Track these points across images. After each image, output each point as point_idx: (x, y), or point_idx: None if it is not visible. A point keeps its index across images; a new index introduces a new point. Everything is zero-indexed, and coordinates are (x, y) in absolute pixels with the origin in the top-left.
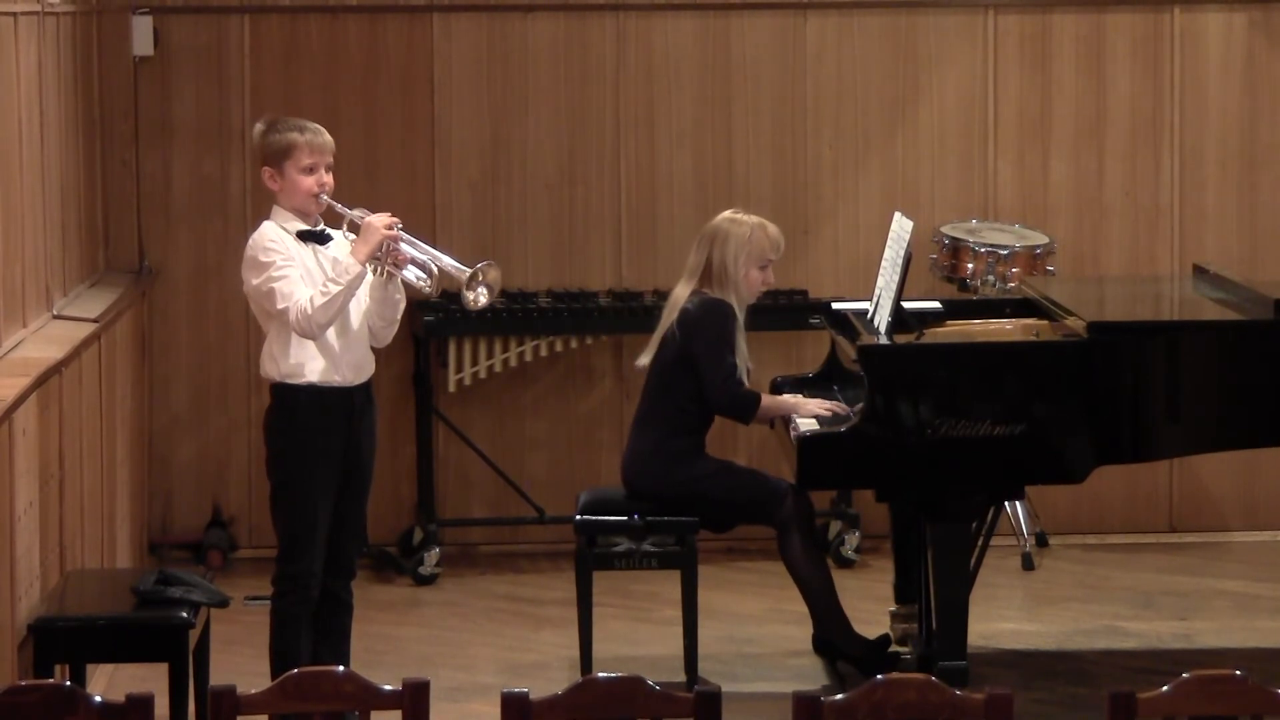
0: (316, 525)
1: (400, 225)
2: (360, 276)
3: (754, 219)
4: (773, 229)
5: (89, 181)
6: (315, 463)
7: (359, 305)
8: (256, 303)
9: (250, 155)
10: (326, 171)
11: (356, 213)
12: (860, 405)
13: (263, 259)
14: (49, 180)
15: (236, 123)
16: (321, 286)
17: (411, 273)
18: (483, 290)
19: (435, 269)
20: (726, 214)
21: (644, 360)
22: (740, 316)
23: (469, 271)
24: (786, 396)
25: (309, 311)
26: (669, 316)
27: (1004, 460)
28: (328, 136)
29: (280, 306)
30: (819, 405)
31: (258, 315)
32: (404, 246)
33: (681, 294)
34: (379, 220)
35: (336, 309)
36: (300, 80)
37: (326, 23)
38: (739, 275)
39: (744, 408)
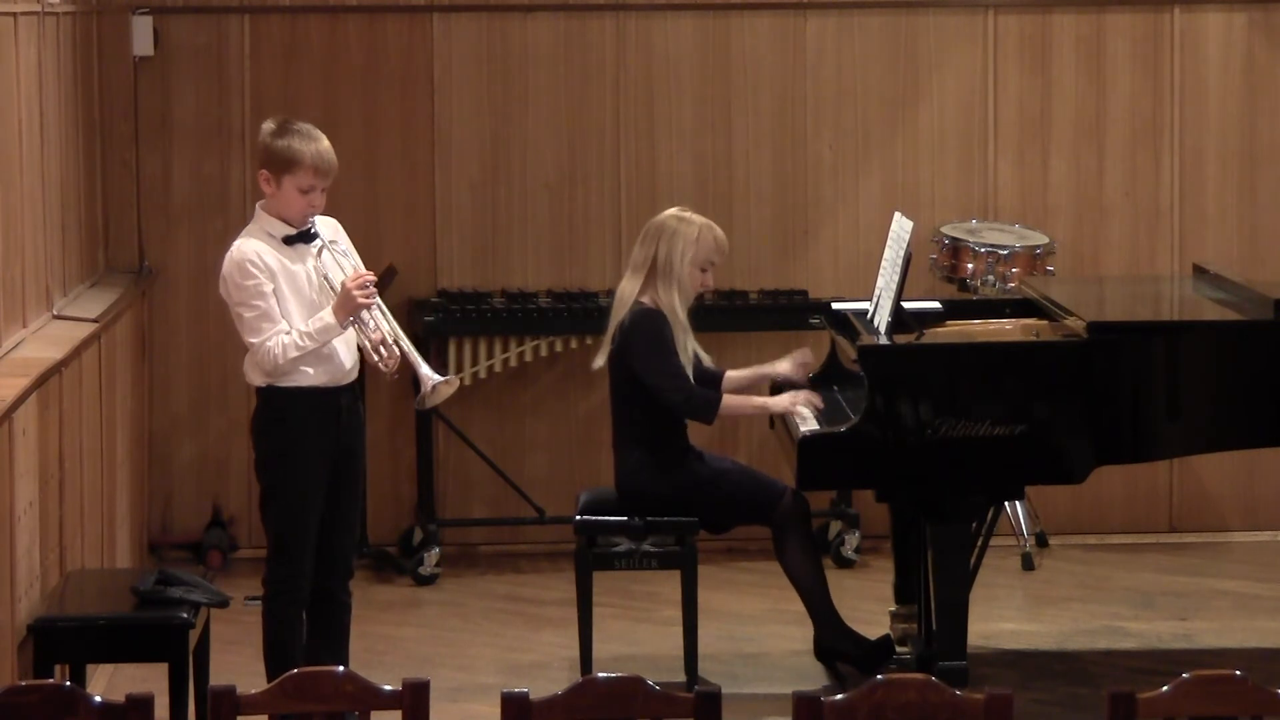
0: (307, 526)
1: (374, 284)
2: (336, 333)
3: (702, 219)
4: (719, 232)
5: (89, 181)
6: (304, 464)
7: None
8: (234, 320)
9: (251, 155)
10: (321, 194)
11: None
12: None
13: (244, 282)
14: (49, 180)
15: (236, 123)
16: (298, 339)
17: (369, 343)
18: (435, 397)
19: (397, 350)
20: (673, 211)
21: (599, 361)
22: (683, 314)
23: (433, 381)
24: (753, 399)
25: (279, 360)
26: (617, 314)
27: (1004, 460)
28: (333, 158)
29: (249, 340)
30: (790, 400)
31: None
32: (375, 314)
33: (628, 289)
34: (355, 287)
35: (303, 357)
36: (300, 80)
37: (326, 23)
38: (683, 272)
39: (702, 411)
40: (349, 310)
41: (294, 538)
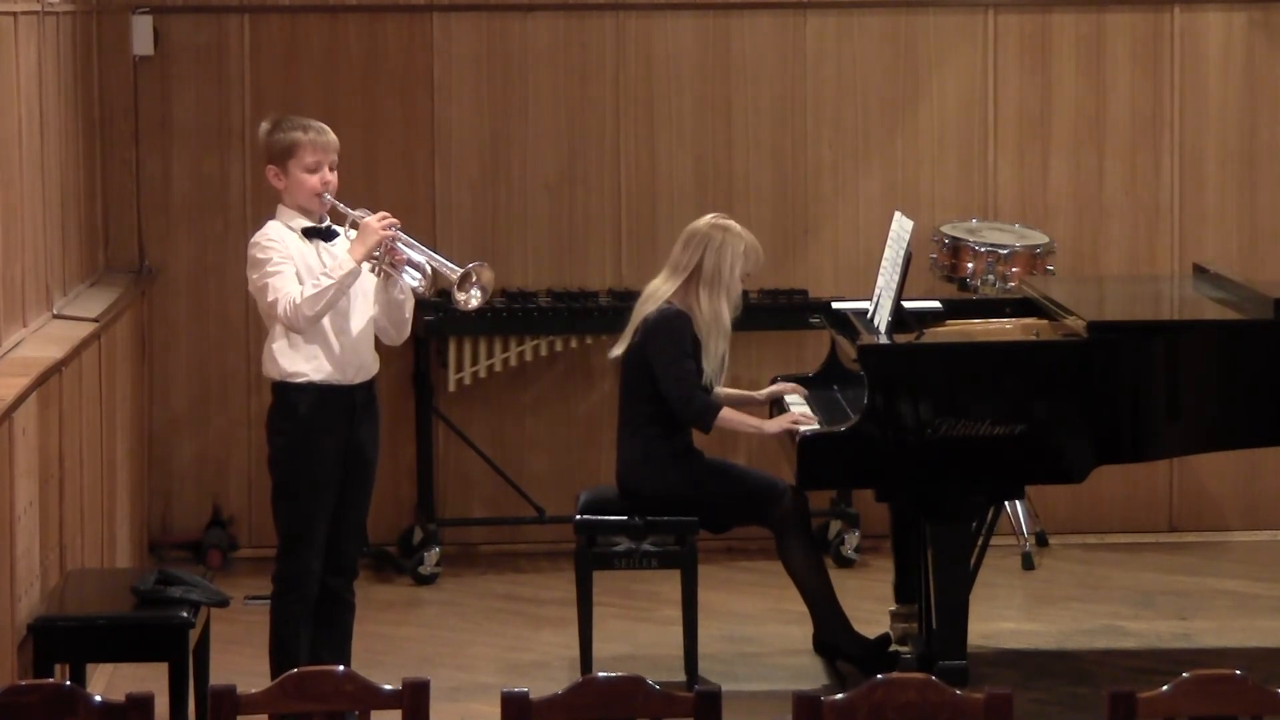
0: (316, 524)
1: (399, 226)
2: (353, 274)
3: (747, 232)
4: (759, 245)
5: (89, 181)
6: (315, 461)
7: (365, 307)
8: (257, 301)
9: (251, 155)
10: (330, 170)
11: (359, 213)
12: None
13: (260, 255)
14: (49, 180)
15: (236, 123)
16: (313, 280)
17: (408, 274)
18: (475, 292)
19: (430, 269)
20: (718, 221)
21: (617, 351)
22: (729, 322)
23: (460, 272)
24: (750, 418)
25: (297, 302)
26: (643, 308)
27: (1004, 460)
28: (332, 136)
29: (270, 299)
30: (787, 421)
31: (261, 314)
32: (400, 247)
33: (662, 288)
34: (376, 220)
35: (325, 303)
36: (300, 80)
37: (326, 23)
38: (733, 282)
39: (700, 417)
40: (368, 244)
41: (302, 535)
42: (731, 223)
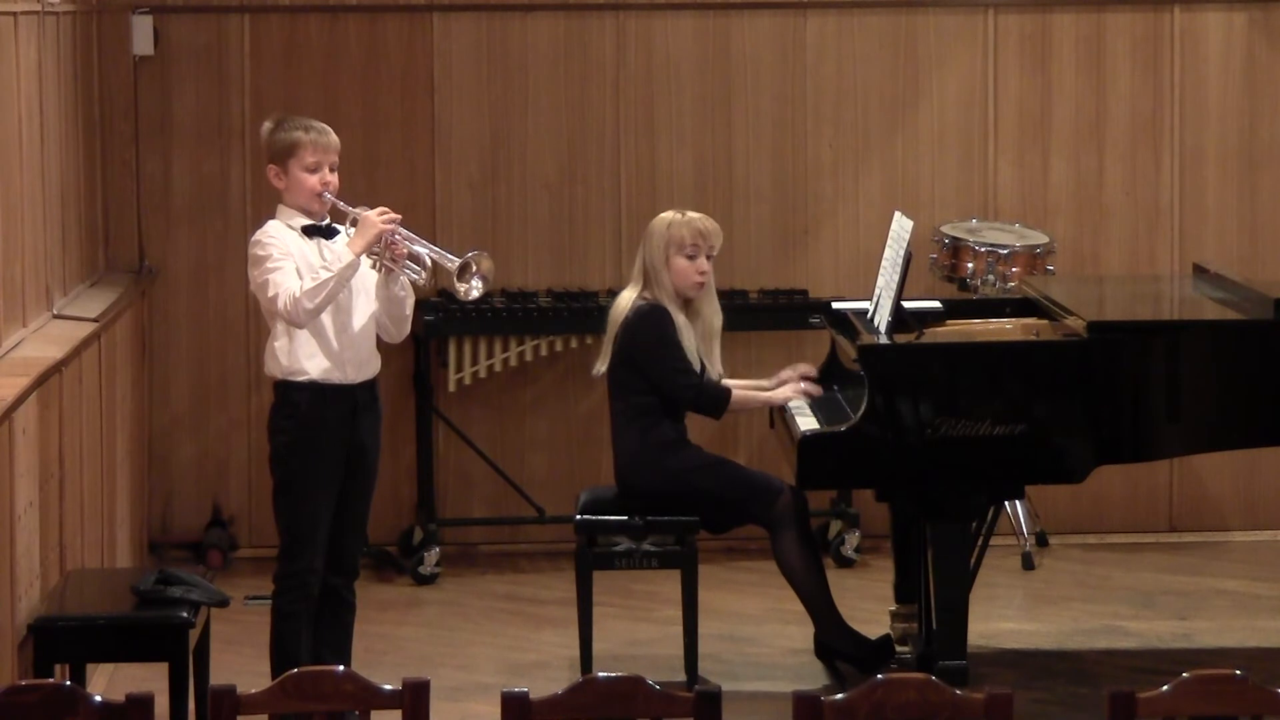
0: (317, 523)
1: (399, 221)
2: (352, 267)
3: (673, 214)
4: (696, 217)
5: (89, 181)
6: (316, 460)
7: (366, 305)
8: (258, 297)
9: (251, 155)
10: (331, 171)
11: (359, 210)
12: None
13: (259, 253)
14: (49, 180)
15: (236, 123)
16: (313, 278)
17: (408, 269)
18: (476, 282)
19: (429, 262)
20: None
21: (601, 368)
22: (678, 313)
23: (458, 262)
24: (757, 392)
25: (297, 296)
26: (616, 319)
27: (1004, 460)
28: (333, 136)
29: (271, 294)
30: (793, 390)
31: (264, 312)
32: (400, 240)
33: (625, 296)
34: (376, 215)
35: (325, 296)
36: (300, 80)
37: (326, 23)
38: (661, 268)
39: (712, 404)
40: (367, 237)
41: (304, 534)
42: (666, 213)
